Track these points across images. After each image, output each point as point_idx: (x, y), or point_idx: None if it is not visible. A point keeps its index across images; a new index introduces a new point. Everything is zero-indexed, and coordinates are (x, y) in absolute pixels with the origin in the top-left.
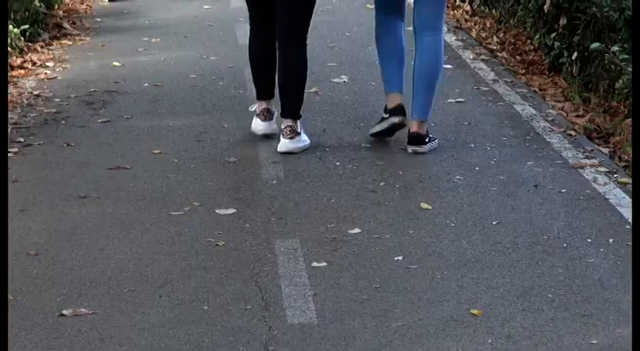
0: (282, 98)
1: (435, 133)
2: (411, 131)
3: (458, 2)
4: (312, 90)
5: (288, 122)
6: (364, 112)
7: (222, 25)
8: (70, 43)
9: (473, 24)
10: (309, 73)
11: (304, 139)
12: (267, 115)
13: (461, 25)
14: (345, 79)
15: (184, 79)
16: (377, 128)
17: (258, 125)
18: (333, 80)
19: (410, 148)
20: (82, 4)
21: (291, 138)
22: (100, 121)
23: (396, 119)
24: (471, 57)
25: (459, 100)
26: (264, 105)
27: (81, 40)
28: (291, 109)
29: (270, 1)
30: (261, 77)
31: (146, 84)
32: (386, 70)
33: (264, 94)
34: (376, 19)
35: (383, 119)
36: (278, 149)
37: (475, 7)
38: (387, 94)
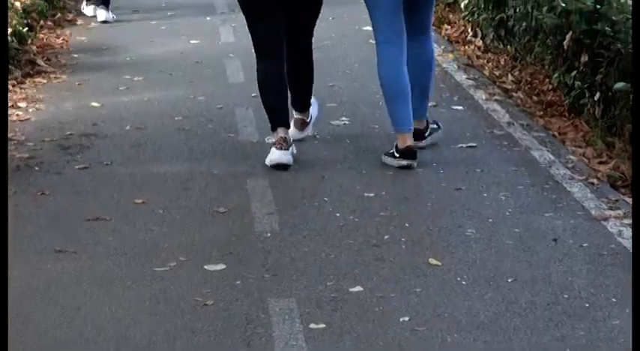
0: (293, 93)
1: (444, 181)
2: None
3: (469, 37)
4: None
5: (299, 115)
6: (367, 157)
7: (212, 62)
8: (45, 81)
9: (485, 61)
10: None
11: (309, 129)
12: (283, 144)
13: (472, 62)
14: (346, 121)
15: (170, 121)
16: (388, 161)
17: (273, 155)
18: (333, 122)
19: (404, 162)
20: (58, 38)
21: (301, 130)
22: (77, 167)
23: (404, 163)
24: (484, 97)
25: (471, 144)
26: (280, 134)
27: (56, 77)
28: (301, 103)
29: (276, 15)
30: (276, 105)
31: (128, 126)
32: (391, 107)
33: (278, 123)
34: (378, 49)
35: (394, 157)
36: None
37: (488, 42)
38: (395, 133)
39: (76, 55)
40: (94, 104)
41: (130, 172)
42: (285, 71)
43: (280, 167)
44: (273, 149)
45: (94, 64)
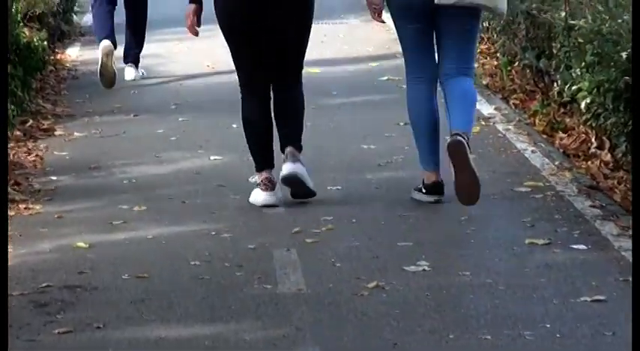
0: (282, 130)
1: (559, 349)
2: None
3: (593, 149)
4: (372, 284)
5: (290, 147)
6: (455, 316)
7: (240, 185)
8: (12, 213)
9: (616, 182)
10: (370, 259)
11: (303, 165)
12: (268, 185)
13: (598, 183)
14: (426, 267)
15: (183, 267)
16: (416, 196)
17: (259, 196)
18: (407, 268)
19: (431, 198)
20: (30, 154)
21: (294, 161)
22: (57, 331)
23: (431, 199)
24: (615, 232)
25: (598, 297)
26: (265, 175)
27: (28, 208)
28: (293, 136)
29: (261, 45)
30: (261, 145)
31: (126, 275)
32: (418, 143)
33: (264, 163)
34: (407, 85)
35: (422, 192)
36: (283, 173)
37: (619, 156)
38: (422, 170)
39: (54, 178)
40: (80, 245)
41: (129, 337)
42: (270, 109)
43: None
44: (258, 191)
45: (79, 189)
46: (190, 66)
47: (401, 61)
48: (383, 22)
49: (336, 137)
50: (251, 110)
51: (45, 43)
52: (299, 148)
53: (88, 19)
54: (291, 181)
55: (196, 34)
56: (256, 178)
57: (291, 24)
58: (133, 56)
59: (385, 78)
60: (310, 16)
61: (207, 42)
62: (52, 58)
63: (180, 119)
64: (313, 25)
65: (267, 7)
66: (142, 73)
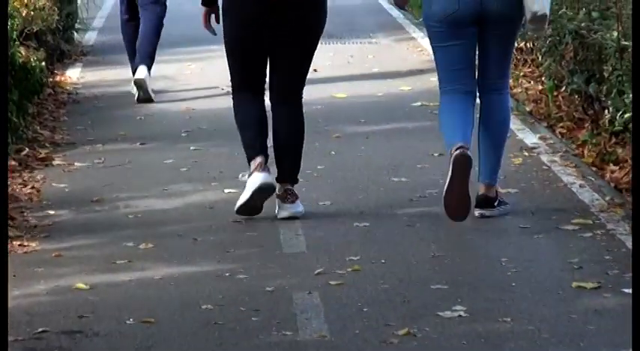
0: (280, 161)
1: None
2: (479, 194)
3: None
4: (402, 331)
5: (287, 186)
6: None
7: (258, 222)
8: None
9: None
10: (401, 303)
11: (301, 205)
12: (265, 168)
13: None
14: (462, 312)
15: (194, 311)
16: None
17: (253, 177)
18: (441, 314)
19: (477, 212)
20: (25, 186)
21: (292, 202)
22: None
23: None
24: None
25: None
26: (259, 160)
27: (23, 245)
28: (291, 172)
29: (263, 55)
30: (256, 137)
31: (130, 320)
32: (448, 131)
33: (259, 150)
34: (441, 97)
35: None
36: (279, 216)
37: None
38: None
39: (52, 212)
40: (80, 286)
41: None
42: (264, 106)
43: (264, 191)
44: (255, 173)
45: (79, 224)
46: (203, 89)
47: (436, 85)
48: (405, 9)
49: (363, 169)
50: (245, 109)
51: (43, 63)
52: (295, 182)
53: (90, 37)
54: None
55: (214, 33)
56: (247, 175)
57: (300, 34)
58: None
59: (418, 104)
60: (321, 26)
61: (222, 63)
62: (51, 80)
63: (191, 148)
64: (339, 45)
65: (277, 16)
66: (147, 76)
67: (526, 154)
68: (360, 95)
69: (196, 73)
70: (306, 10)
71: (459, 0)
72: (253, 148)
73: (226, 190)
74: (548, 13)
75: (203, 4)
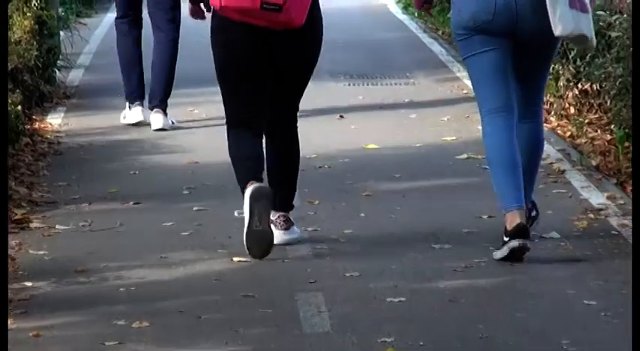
0: (275, 189)
1: None
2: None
3: None
4: None
5: (281, 212)
6: None
7: (273, 295)
8: None
9: None
10: None
11: (297, 231)
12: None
13: None
14: None
15: None
16: (498, 254)
17: (248, 191)
18: None
19: (515, 243)
20: None
21: (285, 229)
22: None
23: (515, 243)
24: None
25: None
26: (251, 182)
27: None
28: (286, 200)
29: (257, 84)
30: (252, 175)
31: None
32: (498, 181)
33: (252, 177)
34: (483, 120)
35: (503, 243)
36: (277, 241)
37: None
38: (504, 213)
39: (29, 284)
40: None
41: None
42: (261, 142)
43: (261, 195)
44: (247, 188)
45: (61, 298)
46: (209, 138)
47: (480, 137)
48: (431, 15)
49: (398, 234)
50: (243, 146)
51: (19, 107)
52: (291, 208)
53: (75, 76)
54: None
55: (203, 16)
56: (244, 212)
57: (296, 60)
58: (159, 99)
59: (464, 156)
60: (317, 54)
61: None
62: (29, 127)
63: (194, 208)
64: (370, 86)
65: (271, 42)
66: (172, 122)
67: (592, 216)
68: (395, 146)
69: (200, 120)
70: (300, 39)
71: (495, 9)
72: (247, 177)
73: (235, 259)
74: (587, 33)
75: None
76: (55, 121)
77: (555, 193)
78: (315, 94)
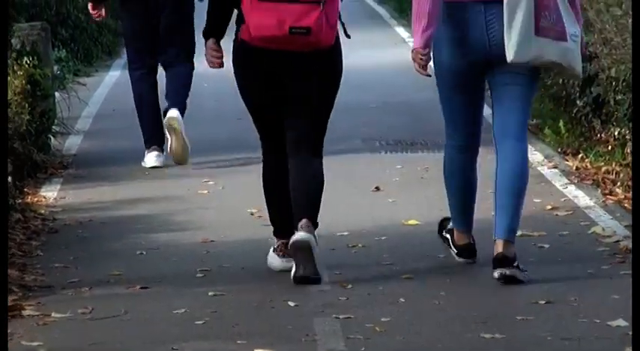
0: (299, 210)
1: None
2: (496, 253)
3: None
4: None
5: (305, 221)
6: None
7: None
8: None
9: None
10: None
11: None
12: (285, 251)
13: None
14: None
15: None
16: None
17: (275, 261)
18: None
19: (496, 273)
20: None
21: (308, 231)
22: None
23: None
24: None
25: None
26: (282, 241)
27: None
28: (310, 210)
29: (277, 110)
30: (279, 209)
31: None
32: (455, 207)
33: (281, 231)
34: (447, 155)
35: (450, 246)
36: (293, 238)
37: None
38: (455, 230)
39: None
40: None
41: None
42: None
43: (301, 248)
44: (275, 256)
45: None
46: (225, 214)
47: (540, 210)
48: (429, 75)
49: (443, 322)
50: (270, 169)
51: (9, 179)
52: (315, 224)
53: (72, 143)
54: (301, 247)
55: (221, 65)
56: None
57: (317, 87)
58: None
59: (518, 233)
60: (338, 79)
61: (249, 178)
62: (20, 201)
63: (210, 294)
64: (409, 154)
65: (293, 72)
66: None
67: None
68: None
69: (216, 193)
70: (317, 70)
71: (468, 49)
72: (277, 222)
73: None
74: (560, 61)
75: (207, 36)
76: (49, 194)
77: (622, 275)
78: (347, 164)
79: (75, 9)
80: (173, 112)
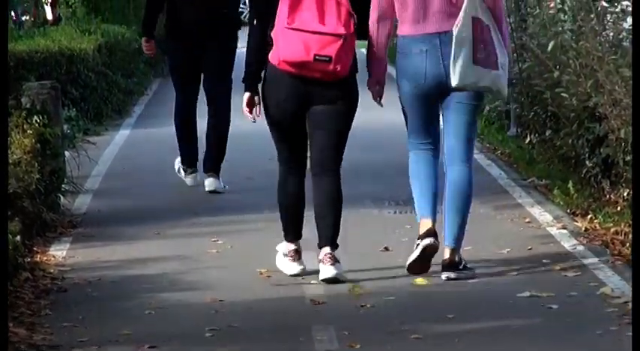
0: (321, 228)
1: None
2: (444, 258)
3: None
4: None
5: (327, 250)
6: None
7: None
8: None
9: None
10: None
11: (342, 266)
12: (295, 256)
13: None
14: None
15: None
16: (411, 257)
17: (286, 265)
18: None
19: (444, 275)
20: None
21: (332, 264)
22: None
23: (426, 241)
24: None
25: None
26: (292, 246)
27: None
28: (331, 238)
29: (302, 131)
30: (293, 219)
31: None
32: (420, 201)
33: (293, 236)
34: (411, 157)
35: (416, 246)
36: (322, 277)
37: None
38: (419, 221)
39: None
40: None
41: None
42: (304, 187)
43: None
44: (286, 261)
45: None
46: (234, 274)
47: (550, 272)
48: (381, 105)
49: None
50: (289, 185)
51: (18, 238)
52: (335, 247)
53: (82, 202)
54: (332, 282)
55: (254, 120)
56: (283, 247)
57: (333, 118)
58: (212, 163)
59: (526, 294)
60: (354, 107)
61: (259, 238)
62: (29, 260)
63: None
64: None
65: (313, 96)
66: (225, 187)
67: None
68: (448, 283)
69: (225, 252)
70: (335, 96)
71: (425, 74)
72: (289, 229)
73: None
74: (492, 87)
75: (247, 90)
76: (58, 253)
77: (630, 336)
78: (355, 224)
79: (85, 68)
80: (211, 185)
